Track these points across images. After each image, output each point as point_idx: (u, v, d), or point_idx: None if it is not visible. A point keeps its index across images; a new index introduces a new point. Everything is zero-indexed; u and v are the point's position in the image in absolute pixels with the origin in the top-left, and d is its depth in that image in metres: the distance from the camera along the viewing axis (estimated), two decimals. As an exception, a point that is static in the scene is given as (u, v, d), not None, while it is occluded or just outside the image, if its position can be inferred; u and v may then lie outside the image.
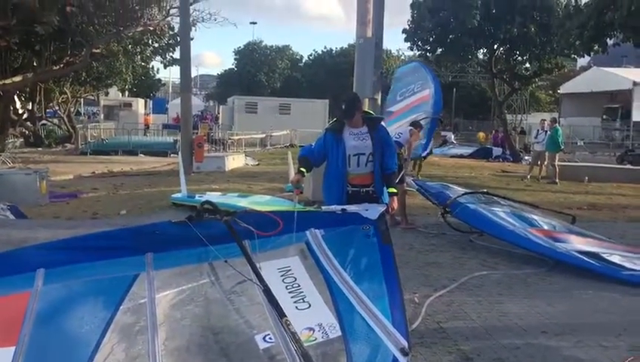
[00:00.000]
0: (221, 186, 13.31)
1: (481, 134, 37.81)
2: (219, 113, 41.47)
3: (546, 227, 7.86)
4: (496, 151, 27.90)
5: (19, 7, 17.46)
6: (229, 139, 28.40)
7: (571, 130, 35.64)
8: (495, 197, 9.19)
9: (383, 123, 5.26)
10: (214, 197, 10.28)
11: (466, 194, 8.88)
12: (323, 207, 4.62)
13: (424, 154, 12.61)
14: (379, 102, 10.76)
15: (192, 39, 17.90)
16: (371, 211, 4.32)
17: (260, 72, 57.09)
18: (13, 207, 10.37)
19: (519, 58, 27.57)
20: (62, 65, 22.34)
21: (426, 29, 25.39)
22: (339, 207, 4.42)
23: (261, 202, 10.09)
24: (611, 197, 13.85)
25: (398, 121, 11.07)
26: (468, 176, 17.48)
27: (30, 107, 29.14)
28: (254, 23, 79.86)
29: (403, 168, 8.90)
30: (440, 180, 12.55)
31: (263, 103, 36.21)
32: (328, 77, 53.01)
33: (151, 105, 46.69)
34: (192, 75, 23.63)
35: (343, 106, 4.97)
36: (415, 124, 10.05)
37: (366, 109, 5.58)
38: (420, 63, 15.55)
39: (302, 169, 4.95)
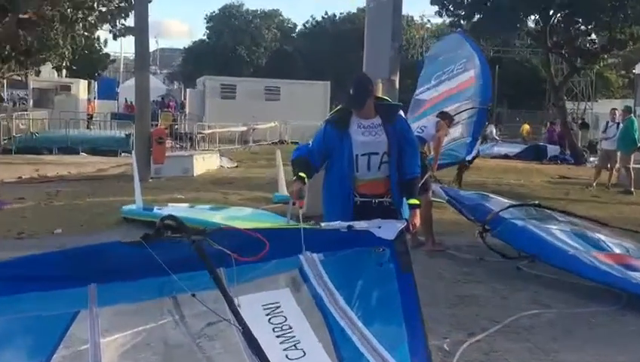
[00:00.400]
0: (188, 196, 13.34)
1: (526, 127, 37.93)
2: (185, 99, 41.54)
3: (617, 250, 7.86)
4: (552, 149, 27.96)
5: None
6: (199, 133, 28.41)
7: (651, 123, 35.63)
8: (550, 211, 9.21)
9: (401, 112, 5.28)
10: (179, 209, 10.32)
11: (512, 206, 8.90)
12: (322, 224, 4.63)
13: (469, 158, 11.78)
14: (397, 84, 10.80)
15: (150, 1, 17.95)
16: (386, 229, 4.34)
17: (239, 45, 57.37)
18: None
19: (582, 27, 27.60)
20: (-22, 36, 22.36)
21: (459, -11, 25.49)
22: (343, 224, 4.43)
23: (241, 217, 10.17)
24: None
25: (433, 113, 10.98)
26: (515, 182, 17.49)
27: (-64, 91, 29.19)
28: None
29: (427, 172, 8.92)
30: (478, 189, 12.57)
31: (243, 86, 36.34)
32: (330, 51, 53.28)
33: (96, 89, 46.74)
34: (151, 49, 23.63)
35: (351, 91, 4.98)
36: (444, 115, 10.06)
37: (380, 95, 5.65)
38: (463, 35, 15.39)
39: (301, 174, 4.99)
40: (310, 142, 5.22)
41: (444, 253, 9.11)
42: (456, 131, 11.27)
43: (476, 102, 11.69)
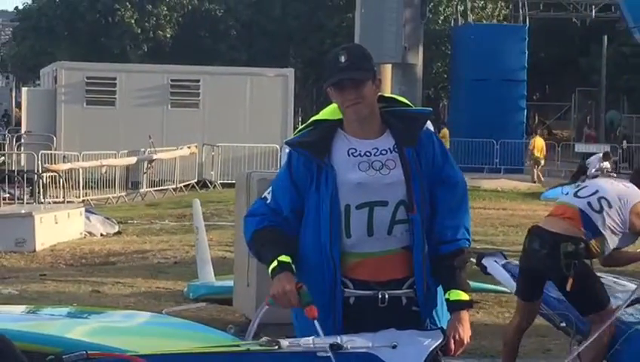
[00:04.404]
0: (25, 290, 9.96)
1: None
2: (19, 106, 31.93)
3: None
4: None
5: None
6: (46, 170, 20.60)
7: None
8: None
9: (429, 125, 3.77)
10: (8, 317, 7.25)
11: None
12: (285, 342, 3.47)
13: None
14: (419, 72, 8.17)
15: None
16: (407, 349, 3.39)
17: (120, 4, 37.90)
18: None
19: None
20: None
21: None
22: (324, 341, 3.36)
23: (128, 330, 6.46)
24: None
25: None
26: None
27: None
28: None
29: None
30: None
31: (130, 80, 25.31)
32: (294, 15, 39.40)
33: None
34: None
35: (341, 58, 3.46)
36: None
37: (388, 93, 4.36)
38: None
39: (282, 258, 3.48)
40: (268, 195, 3.60)
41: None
42: None
43: None
